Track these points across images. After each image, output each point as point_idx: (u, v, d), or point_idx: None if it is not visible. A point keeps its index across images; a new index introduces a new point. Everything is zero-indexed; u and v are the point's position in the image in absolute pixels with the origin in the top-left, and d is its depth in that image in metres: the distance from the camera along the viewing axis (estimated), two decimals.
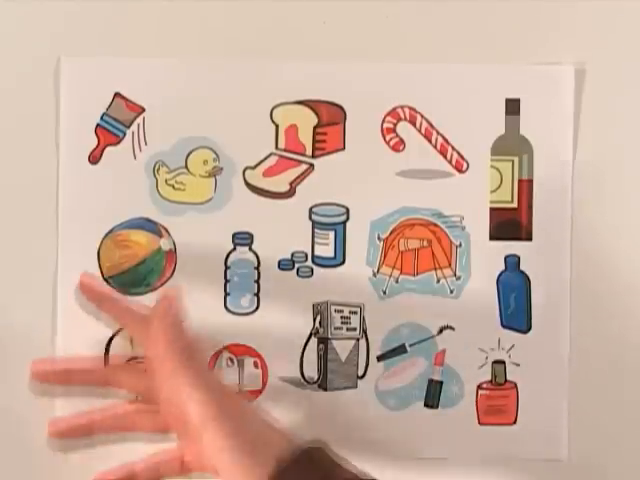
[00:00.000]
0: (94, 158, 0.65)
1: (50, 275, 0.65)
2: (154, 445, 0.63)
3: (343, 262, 0.66)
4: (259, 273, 0.66)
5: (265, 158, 0.66)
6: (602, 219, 0.66)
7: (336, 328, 0.66)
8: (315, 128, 0.66)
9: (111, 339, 0.65)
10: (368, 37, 0.65)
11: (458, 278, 0.66)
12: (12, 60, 0.65)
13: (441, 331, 0.66)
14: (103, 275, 0.65)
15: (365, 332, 0.66)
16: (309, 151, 0.66)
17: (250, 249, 0.65)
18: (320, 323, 0.66)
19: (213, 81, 0.65)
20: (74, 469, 0.65)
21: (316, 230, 0.66)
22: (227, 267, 0.65)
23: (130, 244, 0.65)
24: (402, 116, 0.66)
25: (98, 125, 0.65)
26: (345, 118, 0.66)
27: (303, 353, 0.66)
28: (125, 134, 0.65)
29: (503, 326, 0.66)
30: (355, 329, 0.66)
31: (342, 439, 0.65)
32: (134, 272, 0.65)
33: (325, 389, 0.66)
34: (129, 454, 0.63)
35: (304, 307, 0.66)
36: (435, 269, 0.66)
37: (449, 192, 0.66)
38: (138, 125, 0.65)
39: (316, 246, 0.66)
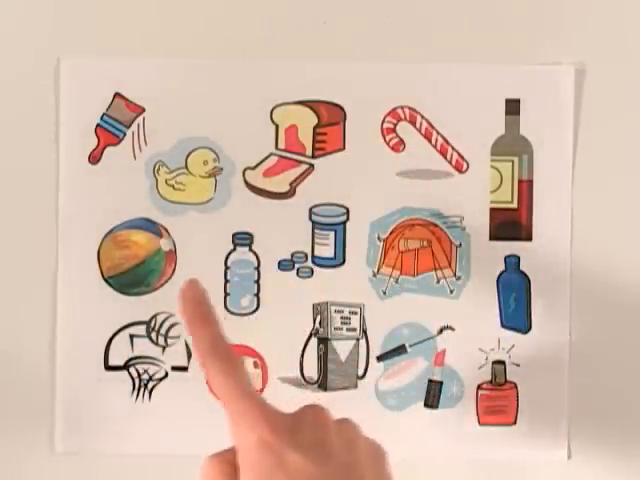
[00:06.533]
0: (94, 158, 0.65)
1: (50, 275, 0.65)
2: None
3: (343, 262, 0.66)
4: (259, 273, 0.66)
5: (265, 158, 0.66)
6: (602, 219, 0.66)
7: (336, 328, 0.66)
8: (315, 128, 0.66)
9: (111, 339, 0.65)
10: (368, 37, 0.65)
11: (458, 278, 0.66)
12: (12, 60, 0.65)
13: (441, 331, 0.66)
14: (103, 275, 0.65)
15: (365, 332, 0.66)
16: (309, 151, 0.66)
17: (250, 249, 0.65)
18: (320, 323, 0.66)
19: (213, 81, 0.65)
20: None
21: (316, 230, 0.66)
22: (227, 267, 0.65)
23: (130, 244, 0.65)
24: (402, 116, 0.66)
25: (98, 125, 0.65)
26: (345, 118, 0.66)
27: (303, 353, 0.66)
28: (125, 134, 0.65)
29: (503, 326, 0.66)
30: (355, 329, 0.66)
31: None
32: (134, 272, 0.65)
33: (325, 389, 0.66)
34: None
35: (304, 307, 0.66)
36: (435, 269, 0.66)
37: (449, 192, 0.66)
38: (138, 125, 0.65)
39: (316, 246, 0.66)
